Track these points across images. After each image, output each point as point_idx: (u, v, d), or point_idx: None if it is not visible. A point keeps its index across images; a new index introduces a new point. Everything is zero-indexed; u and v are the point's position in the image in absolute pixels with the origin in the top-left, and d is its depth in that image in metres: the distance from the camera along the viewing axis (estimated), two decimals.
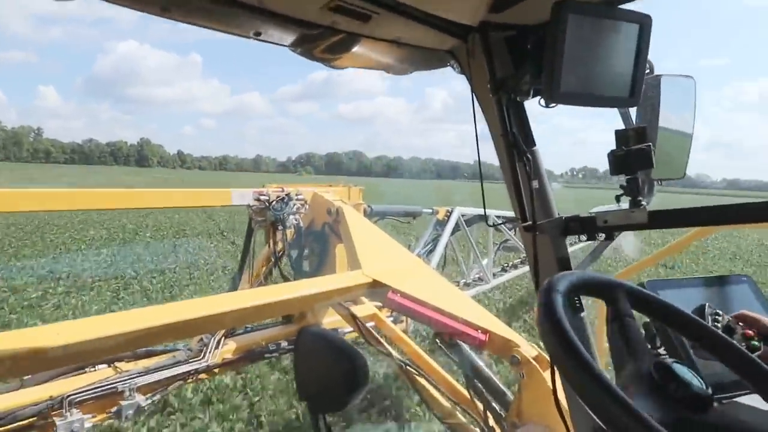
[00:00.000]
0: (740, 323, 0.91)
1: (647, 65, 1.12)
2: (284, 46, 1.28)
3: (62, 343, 1.16)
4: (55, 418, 1.59)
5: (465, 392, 2.40)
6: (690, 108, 1.29)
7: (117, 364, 1.96)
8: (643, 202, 1.15)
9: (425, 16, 1.14)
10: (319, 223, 2.88)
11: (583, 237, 1.32)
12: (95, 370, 1.91)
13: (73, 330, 1.22)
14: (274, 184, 3.06)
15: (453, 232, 4.32)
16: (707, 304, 0.85)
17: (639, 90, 1.07)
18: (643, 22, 1.00)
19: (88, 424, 1.66)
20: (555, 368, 1.34)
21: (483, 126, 1.34)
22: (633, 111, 1.24)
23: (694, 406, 0.56)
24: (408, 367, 2.48)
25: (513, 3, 1.06)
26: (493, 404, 2.21)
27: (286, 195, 2.91)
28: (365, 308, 2.70)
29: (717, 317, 0.88)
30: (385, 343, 2.39)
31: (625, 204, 1.18)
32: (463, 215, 4.39)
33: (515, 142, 1.24)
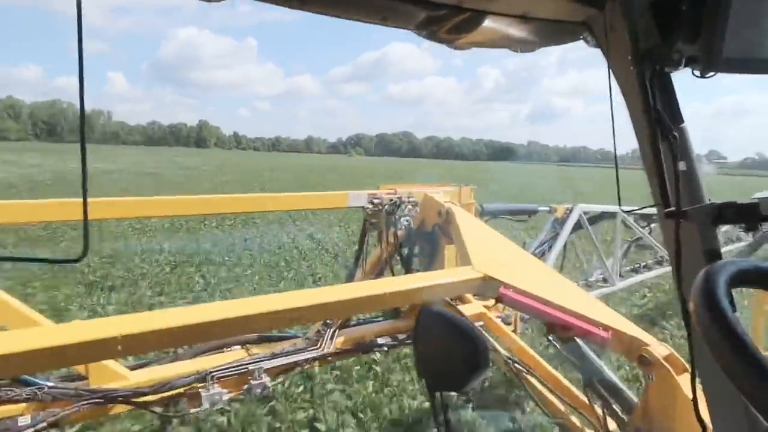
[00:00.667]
0: None
1: None
2: (409, 29, 1.28)
3: (206, 319, 1.36)
4: (201, 390, 1.81)
5: (581, 394, 2.27)
6: None
7: (248, 346, 2.19)
8: None
9: None
10: (429, 224, 2.91)
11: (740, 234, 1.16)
12: (231, 351, 2.15)
13: (211, 310, 1.42)
14: (388, 186, 3.14)
15: (574, 230, 4.08)
16: None
17: None
18: None
19: (225, 397, 1.87)
20: (696, 371, 1.20)
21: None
22: None
23: None
24: (518, 366, 2.41)
25: None
26: (614, 407, 2.07)
27: (398, 197, 2.99)
28: (473, 307, 2.68)
29: None
30: (495, 343, 2.35)
31: None
32: (585, 212, 4.12)
33: (660, 118, 1.12)
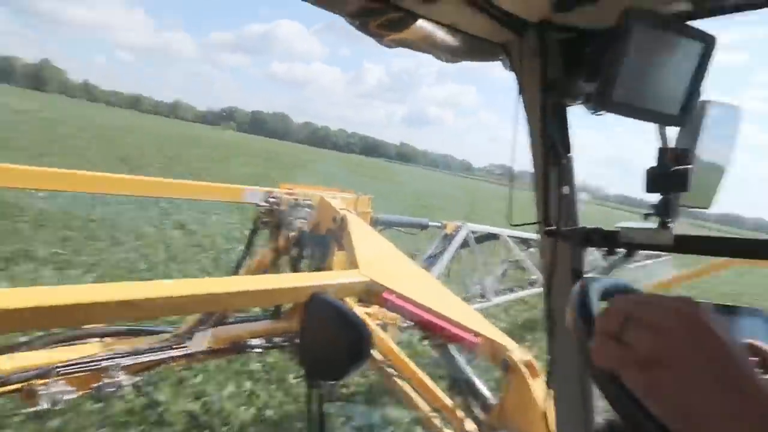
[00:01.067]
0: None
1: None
2: (341, 15, 1.28)
3: (55, 303, 1.16)
4: (39, 387, 1.62)
5: (445, 396, 2.44)
6: (730, 139, 1.29)
7: (107, 339, 1.98)
8: (670, 224, 1.15)
9: (487, 4, 1.14)
10: (323, 228, 2.91)
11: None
12: (86, 343, 1.93)
13: (63, 293, 1.21)
14: (287, 184, 3.08)
15: (462, 247, 4.35)
16: None
17: (690, 110, 1.08)
18: (708, 42, 1.00)
19: (68, 397, 1.69)
20: (550, 376, 1.35)
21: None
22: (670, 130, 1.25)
23: None
24: (389, 369, 2.52)
25: (579, 4, 1.06)
26: (475, 408, 2.24)
27: (295, 199, 2.96)
28: (356, 311, 2.70)
29: None
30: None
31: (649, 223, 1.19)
32: (473, 232, 4.41)
33: (554, 146, 1.24)
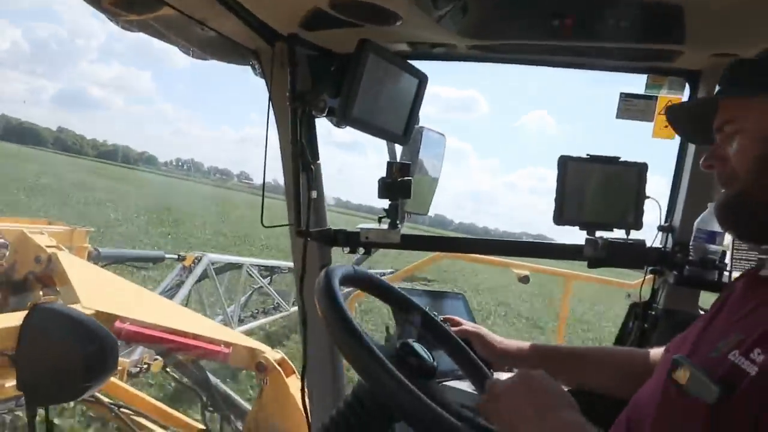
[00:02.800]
0: (447, 323, 1.16)
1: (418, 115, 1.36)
2: None
3: None
4: None
5: (190, 420, 2.33)
6: (440, 158, 1.60)
7: None
8: (399, 226, 1.37)
9: (239, 8, 1.13)
10: (22, 271, 2.38)
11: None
12: None
13: None
14: None
15: (201, 279, 4.15)
16: (427, 307, 1.07)
17: (410, 132, 1.29)
18: (422, 79, 1.22)
19: None
20: (305, 369, 1.43)
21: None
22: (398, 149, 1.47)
23: (424, 374, 0.73)
24: (124, 410, 2.25)
25: (322, 27, 1.15)
26: (232, 419, 2.20)
27: None
28: None
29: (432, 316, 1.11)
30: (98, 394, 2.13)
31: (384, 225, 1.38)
32: (213, 263, 4.28)
33: (302, 152, 1.32)
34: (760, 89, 0.66)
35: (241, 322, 4.84)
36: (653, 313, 1.34)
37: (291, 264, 1.55)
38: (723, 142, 0.69)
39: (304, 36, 1.23)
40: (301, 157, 1.32)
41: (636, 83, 1.32)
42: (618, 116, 1.27)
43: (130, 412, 2.24)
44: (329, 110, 1.27)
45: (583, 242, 1.32)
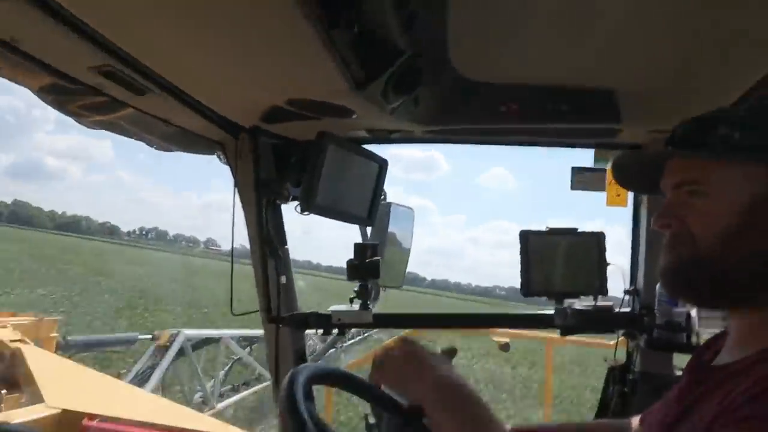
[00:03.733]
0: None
1: (382, 194, 1.39)
2: (30, 89, 1.12)
3: None
4: None
5: None
6: (409, 231, 1.62)
7: None
8: (370, 306, 1.36)
9: (200, 105, 1.17)
10: None
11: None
12: None
13: None
14: None
15: (179, 355, 4.01)
16: None
17: (375, 213, 1.32)
18: (382, 164, 1.27)
19: None
20: None
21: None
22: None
23: None
24: None
25: (282, 120, 1.20)
26: None
27: None
28: None
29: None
30: None
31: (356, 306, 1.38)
32: (189, 339, 4.17)
33: (269, 239, 1.33)
34: (723, 151, 0.63)
35: (221, 397, 4.64)
36: (631, 377, 1.33)
37: None
38: (682, 201, 0.66)
39: (266, 128, 1.27)
40: (268, 243, 1.33)
41: (588, 154, 1.39)
42: (572, 188, 1.32)
43: None
44: (294, 197, 1.30)
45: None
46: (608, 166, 1.29)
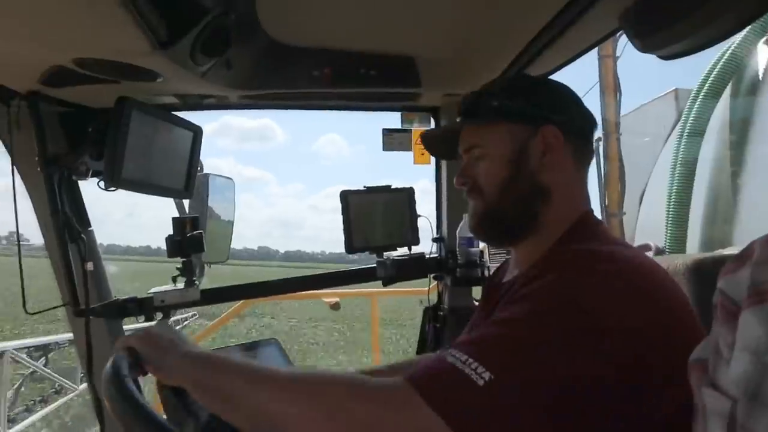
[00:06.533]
0: None
1: (199, 165, 1.32)
2: None
3: None
4: None
5: None
6: (231, 202, 1.57)
7: None
8: (196, 282, 1.30)
9: None
10: None
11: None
12: None
13: None
14: None
15: None
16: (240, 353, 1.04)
17: (192, 185, 1.25)
18: (196, 131, 1.20)
19: None
20: None
21: None
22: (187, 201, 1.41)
23: None
24: None
25: (70, 84, 1.04)
26: None
27: None
28: None
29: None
30: None
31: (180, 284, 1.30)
32: None
33: (68, 222, 1.17)
34: (493, 117, 0.80)
35: (11, 423, 3.93)
36: (442, 313, 1.54)
37: (71, 335, 1.34)
38: (471, 163, 0.81)
39: (50, 93, 1.10)
40: (68, 227, 1.17)
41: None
42: (384, 149, 1.45)
43: None
44: (94, 172, 1.16)
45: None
46: (413, 127, 1.45)
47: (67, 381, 4.53)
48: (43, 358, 4.51)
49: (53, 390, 4.62)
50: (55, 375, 4.50)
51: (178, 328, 5.22)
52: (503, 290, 0.79)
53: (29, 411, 4.30)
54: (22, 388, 4.41)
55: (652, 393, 0.59)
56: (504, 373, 0.56)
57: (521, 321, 0.61)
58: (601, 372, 0.57)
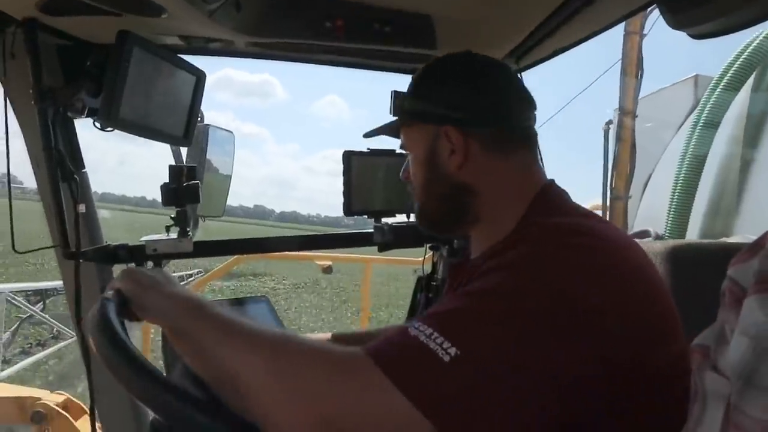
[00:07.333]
0: None
1: (200, 115, 1.28)
2: None
3: None
4: None
5: None
6: (230, 156, 1.53)
7: None
8: (189, 233, 1.27)
9: None
10: None
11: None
12: None
13: None
14: None
15: None
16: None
17: (191, 133, 1.21)
18: (200, 76, 1.15)
19: None
20: (93, 406, 1.25)
21: None
22: (184, 150, 1.37)
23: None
24: None
25: (69, 13, 0.99)
26: None
27: None
28: None
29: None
30: None
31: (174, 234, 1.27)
32: None
33: (61, 161, 1.13)
34: (407, 119, 0.82)
35: (6, 363, 3.98)
36: (435, 283, 1.53)
37: None
38: (409, 160, 0.85)
39: (47, 21, 1.04)
40: (61, 166, 1.13)
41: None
42: (391, 113, 1.40)
43: None
44: (90, 111, 1.11)
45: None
46: None
47: (63, 327, 4.54)
48: (41, 303, 4.52)
49: (50, 336, 4.65)
50: (52, 320, 4.52)
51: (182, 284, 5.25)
52: (468, 269, 0.80)
53: (25, 353, 4.35)
54: (22, 330, 4.44)
55: (626, 370, 0.57)
56: (472, 349, 0.53)
57: (490, 293, 0.59)
58: (574, 347, 0.55)
